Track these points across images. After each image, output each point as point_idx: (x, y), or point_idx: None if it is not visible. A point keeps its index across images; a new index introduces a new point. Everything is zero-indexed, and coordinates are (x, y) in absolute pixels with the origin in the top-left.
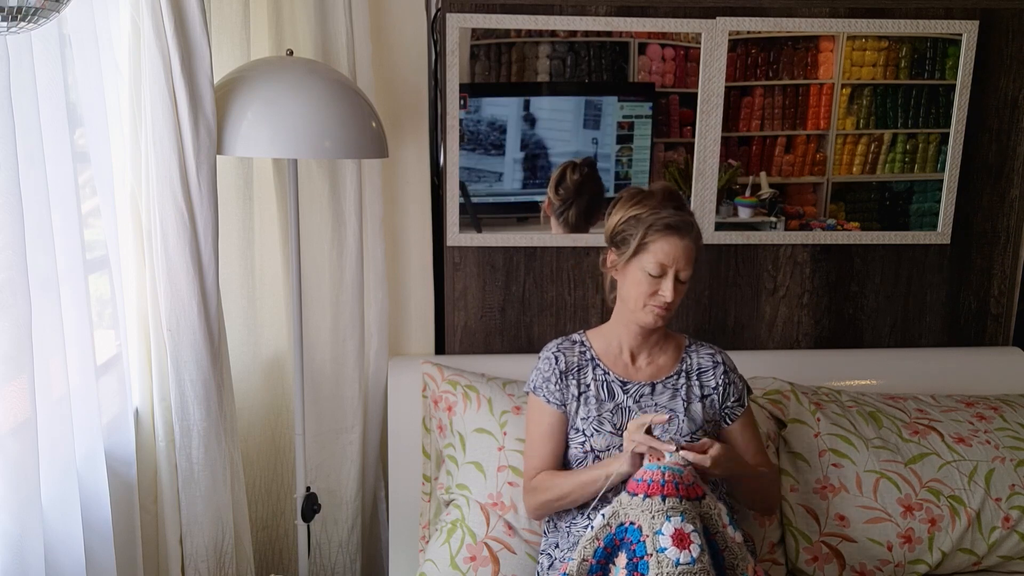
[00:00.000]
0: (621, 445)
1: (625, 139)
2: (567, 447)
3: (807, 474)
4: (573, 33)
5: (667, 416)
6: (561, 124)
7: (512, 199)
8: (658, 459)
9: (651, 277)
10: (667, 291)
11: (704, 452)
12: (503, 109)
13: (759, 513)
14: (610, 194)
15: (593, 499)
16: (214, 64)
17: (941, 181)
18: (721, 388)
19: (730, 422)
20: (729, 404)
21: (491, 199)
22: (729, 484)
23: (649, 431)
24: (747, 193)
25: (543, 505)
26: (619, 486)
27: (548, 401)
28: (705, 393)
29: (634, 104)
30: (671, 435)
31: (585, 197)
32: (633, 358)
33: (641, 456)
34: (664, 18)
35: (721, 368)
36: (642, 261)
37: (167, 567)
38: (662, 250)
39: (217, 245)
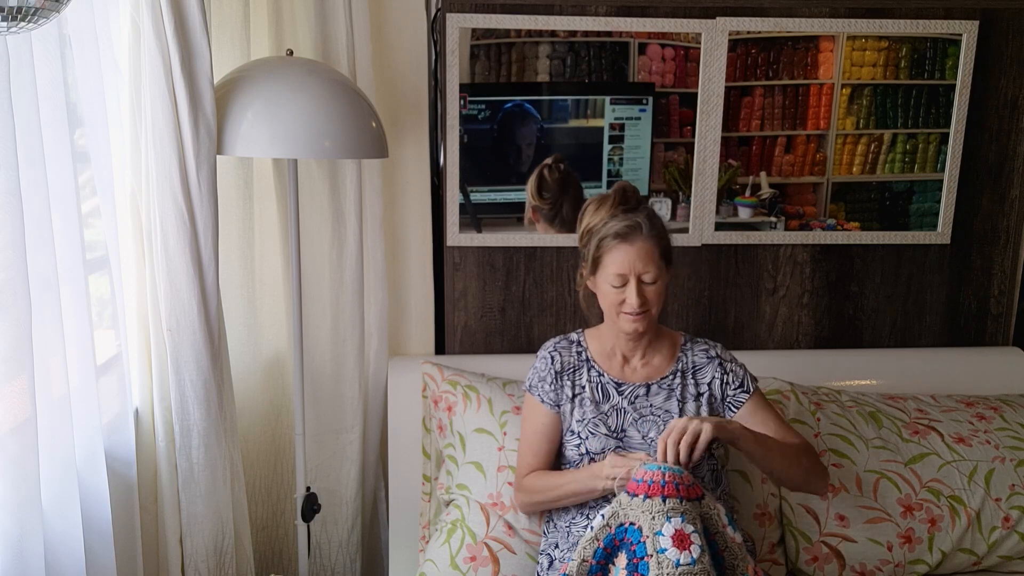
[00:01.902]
0: (616, 447)
1: (616, 139)
2: (562, 448)
3: None
4: (573, 33)
5: (650, 460)
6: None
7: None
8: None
9: (615, 288)
10: (631, 299)
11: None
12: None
13: (813, 491)
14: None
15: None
16: (214, 64)
17: (941, 181)
18: (718, 380)
19: (735, 410)
20: (730, 392)
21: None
22: (766, 463)
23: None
24: (747, 193)
25: (533, 505)
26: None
27: (543, 401)
28: (701, 391)
29: (626, 107)
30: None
31: (571, 192)
32: (627, 360)
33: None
34: (664, 18)
35: (716, 361)
36: (603, 275)
37: (167, 567)
38: (615, 261)
39: (217, 245)
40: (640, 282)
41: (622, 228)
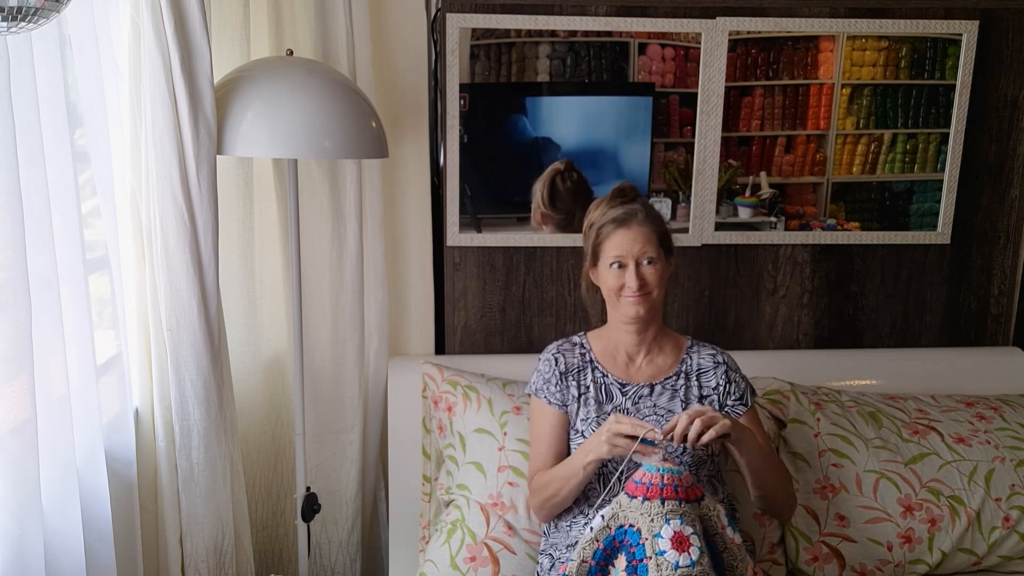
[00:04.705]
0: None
1: None
2: (569, 448)
3: (807, 474)
4: (573, 33)
5: (659, 436)
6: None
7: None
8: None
9: (616, 271)
10: (631, 280)
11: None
12: None
13: (778, 516)
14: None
15: (581, 491)
16: (214, 64)
17: (941, 181)
18: (722, 388)
19: None
20: (730, 403)
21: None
22: (760, 475)
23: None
24: (747, 193)
25: (543, 504)
26: (616, 488)
27: (549, 402)
28: (705, 394)
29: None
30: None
31: (582, 201)
32: (631, 359)
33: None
34: (664, 18)
35: (722, 368)
36: (604, 261)
37: (167, 567)
38: (614, 245)
39: (217, 245)
40: (638, 264)
41: (619, 214)
